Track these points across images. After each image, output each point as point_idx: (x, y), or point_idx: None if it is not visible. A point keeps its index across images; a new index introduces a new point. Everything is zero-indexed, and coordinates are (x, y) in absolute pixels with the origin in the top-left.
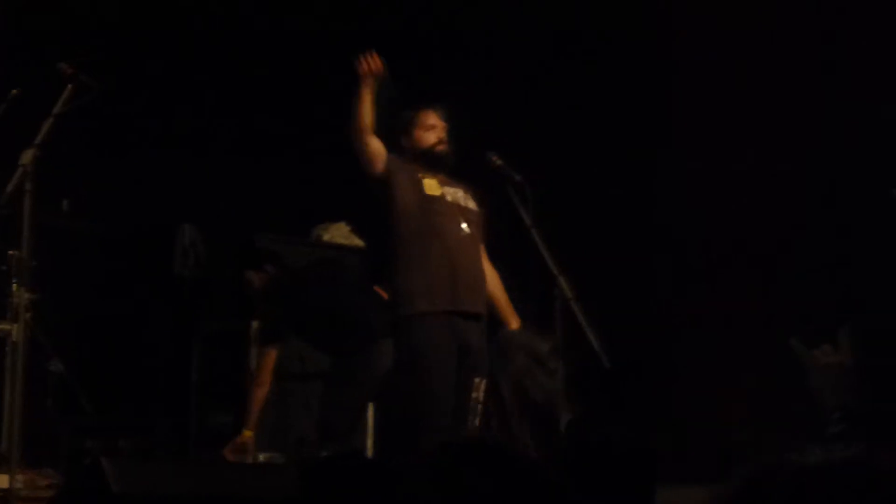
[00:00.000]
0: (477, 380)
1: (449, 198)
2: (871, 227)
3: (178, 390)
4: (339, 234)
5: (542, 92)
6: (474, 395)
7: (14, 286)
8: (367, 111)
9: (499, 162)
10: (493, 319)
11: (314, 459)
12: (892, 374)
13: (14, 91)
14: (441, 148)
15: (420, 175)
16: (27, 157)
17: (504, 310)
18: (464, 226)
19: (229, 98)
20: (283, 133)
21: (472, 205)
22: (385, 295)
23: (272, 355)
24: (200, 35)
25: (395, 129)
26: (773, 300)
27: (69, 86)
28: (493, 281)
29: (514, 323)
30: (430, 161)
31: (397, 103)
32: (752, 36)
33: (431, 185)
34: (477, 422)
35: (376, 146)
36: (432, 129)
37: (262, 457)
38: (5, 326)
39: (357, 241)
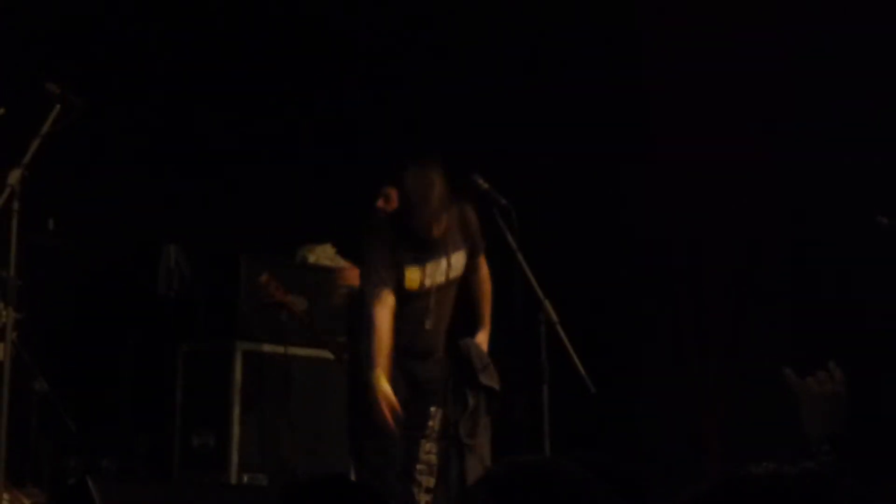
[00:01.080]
0: (433, 409)
1: (428, 282)
2: (860, 251)
3: (161, 410)
4: (325, 255)
5: (517, 112)
6: (430, 423)
7: (0, 305)
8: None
9: (484, 185)
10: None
11: (297, 481)
12: (882, 405)
13: (1, 110)
14: (437, 235)
15: (405, 265)
16: (14, 177)
17: (482, 316)
18: (431, 319)
19: (215, 119)
20: (268, 154)
21: (458, 268)
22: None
23: None
24: (186, 55)
25: (400, 184)
26: (755, 327)
27: (56, 105)
28: (482, 285)
29: (483, 332)
30: (421, 241)
31: None
32: (728, 45)
33: (412, 278)
34: (434, 450)
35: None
36: (427, 203)
37: (245, 478)
38: None
39: (343, 263)
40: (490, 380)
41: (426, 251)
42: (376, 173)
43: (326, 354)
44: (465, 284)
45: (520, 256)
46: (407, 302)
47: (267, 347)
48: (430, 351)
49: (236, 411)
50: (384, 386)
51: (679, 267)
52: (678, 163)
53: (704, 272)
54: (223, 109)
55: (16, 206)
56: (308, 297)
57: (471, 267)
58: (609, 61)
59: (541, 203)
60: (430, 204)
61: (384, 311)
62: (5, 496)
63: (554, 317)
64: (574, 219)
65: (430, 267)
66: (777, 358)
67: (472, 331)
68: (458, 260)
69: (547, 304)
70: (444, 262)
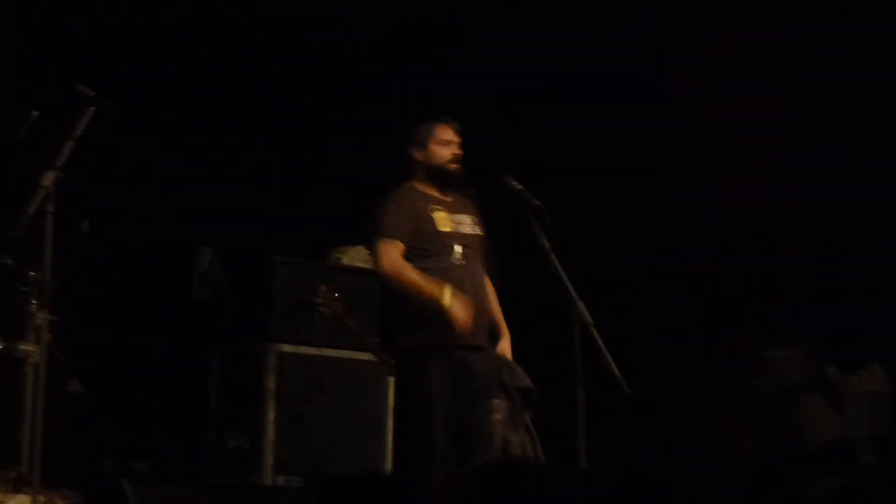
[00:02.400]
0: (496, 401)
1: (461, 228)
2: (892, 251)
3: (195, 412)
4: (358, 257)
5: (545, 114)
6: (497, 416)
7: (34, 307)
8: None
9: (517, 186)
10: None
11: (333, 478)
12: None
13: (34, 113)
14: (454, 166)
15: (431, 208)
16: (48, 179)
17: (498, 323)
18: (471, 265)
19: (248, 121)
20: (300, 155)
21: (478, 228)
22: None
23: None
24: (221, 57)
25: (408, 139)
26: (785, 328)
27: (89, 108)
28: (492, 296)
29: (504, 339)
30: (442, 178)
31: None
32: (753, 53)
33: (443, 220)
34: (497, 443)
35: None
36: (448, 145)
37: (280, 480)
38: (26, 348)
39: None
40: (518, 380)
41: (446, 204)
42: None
43: (360, 355)
44: None
45: (553, 258)
46: (445, 252)
47: (301, 349)
48: (480, 321)
49: (270, 413)
50: (460, 301)
51: (709, 270)
52: (706, 167)
53: (734, 274)
54: (257, 112)
55: (50, 208)
56: (342, 298)
57: None
58: (634, 66)
59: (572, 205)
60: (444, 133)
61: (398, 254)
62: (40, 498)
63: (588, 318)
64: (606, 221)
65: (457, 215)
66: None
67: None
68: (476, 220)
69: (580, 305)
70: (468, 218)
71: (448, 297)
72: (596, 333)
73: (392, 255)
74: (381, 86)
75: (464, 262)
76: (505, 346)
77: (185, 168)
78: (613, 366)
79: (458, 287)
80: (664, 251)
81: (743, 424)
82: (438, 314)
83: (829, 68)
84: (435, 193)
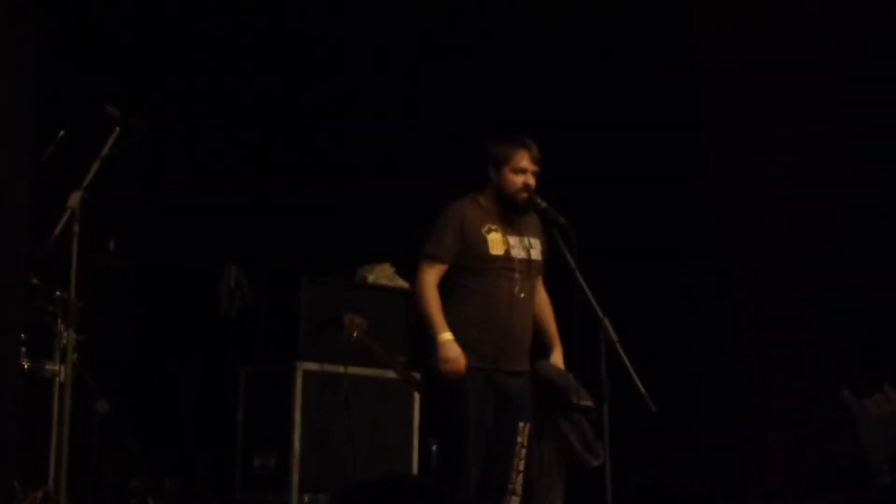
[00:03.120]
0: (521, 424)
1: (514, 252)
2: None
3: (223, 430)
4: (384, 275)
5: (575, 132)
6: (518, 439)
7: (61, 327)
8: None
9: (543, 204)
10: (542, 347)
11: (355, 483)
12: None
13: (61, 133)
14: (523, 196)
15: (487, 228)
16: (74, 199)
17: (551, 336)
18: (519, 289)
19: (273, 138)
20: (327, 173)
21: (536, 252)
22: None
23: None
24: (252, 72)
25: (488, 156)
26: (816, 347)
27: (116, 128)
28: (544, 309)
29: (556, 351)
30: (507, 205)
31: None
32: (787, 68)
33: (496, 242)
34: (521, 466)
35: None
36: (522, 173)
37: (306, 498)
38: (53, 367)
39: (402, 283)
40: (584, 398)
41: (507, 225)
42: (434, 192)
43: (386, 374)
44: None
45: (579, 275)
46: (493, 275)
47: (328, 367)
48: (520, 348)
49: (297, 431)
50: (455, 348)
51: (740, 286)
52: (738, 183)
53: (765, 292)
54: (282, 129)
55: (76, 228)
56: (368, 316)
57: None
58: (668, 84)
59: (599, 223)
60: (521, 160)
61: (434, 279)
62: None
63: (613, 335)
64: (633, 238)
65: (513, 237)
66: (837, 379)
67: (541, 356)
68: (537, 244)
69: (606, 322)
70: (526, 239)
71: (445, 338)
72: (621, 350)
73: (427, 279)
74: (411, 102)
75: (512, 287)
76: (557, 358)
77: (212, 185)
78: (639, 383)
79: (495, 312)
80: (696, 267)
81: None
82: (476, 338)
83: (867, 80)
84: (497, 213)
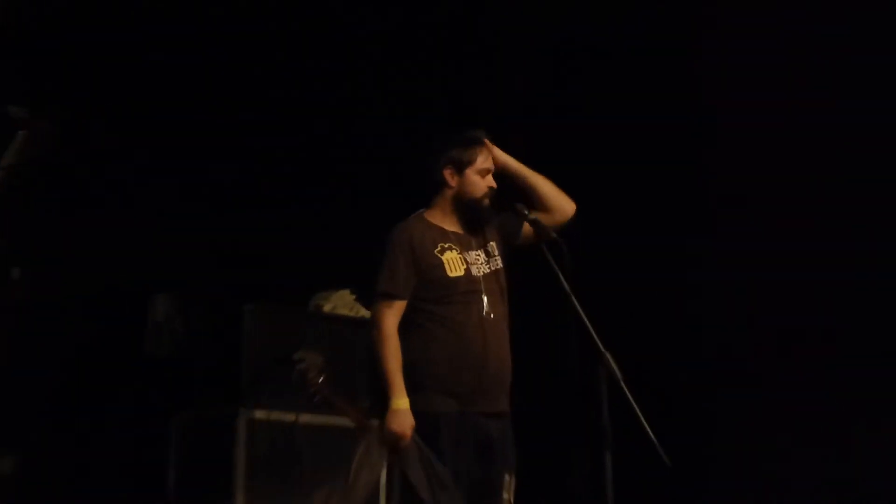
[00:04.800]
0: (507, 477)
1: (475, 270)
2: None
3: (150, 492)
4: (343, 303)
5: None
6: (505, 495)
7: None
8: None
9: (531, 216)
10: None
11: None
12: None
13: None
14: (487, 202)
15: (440, 248)
16: None
17: None
18: (488, 311)
19: (208, 146)
20: (274, 188)
21: (496, 258)
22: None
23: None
24: (186, 83)
25: (445, 159)
26: (842, 380)
27: (22, 132)
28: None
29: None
30: (470, 214)
31: None
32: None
33: (453, 262)
34: None
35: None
36: (486, 175)
37: None
38: None
39: (364, 312)
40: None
41: (462, 239)
42: (400, 208)
43: (343, 422)
44: None
45: (573, 300)
46: (456, 300)
47: (276, 415)
48: (499, 383)
49: (240, 492)
50: (405, 421)
51: (764, 310)
52: (758, 196)
53: (792, 316)
54: (219, 129)
55: None
56: (324, 351)
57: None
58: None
59: (597, 238)
60: (484, 160)
61: (393, 321)
62: None
63: (617, 371)
64: (639, 256)
65: (470, 252)
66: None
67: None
68: (494, 249)
69: (608, 356)
70: (482, 250)
71: (398, 406)
72: (626, 390)
73: (385, 324)
74: (380, 110)
75: (479, 310)
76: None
77: (136, 202)
78: (649, 429)
79: (466, 344)
80: (715, 287)
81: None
82: (448, 377)
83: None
84: (449, 227)
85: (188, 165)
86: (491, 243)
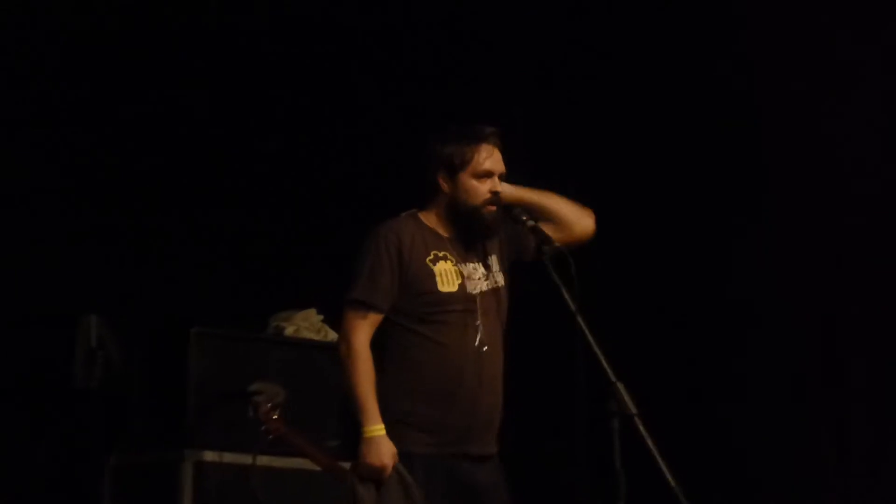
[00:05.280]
0: None
1: (471, 286)
2: None
3: None
4: (307, 325)
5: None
6: None
7: None
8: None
9: (531, 222)
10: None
11: None
12: None
13: None
14: (490, 210)
15: (432, 256)
16: None
17: None
18: (483, 339)
19: (147, 142)
20: (222, 187)
21: (498, 274)
22: None
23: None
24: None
25: (437, 160)
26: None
27: None
28: None
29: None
30: (469, 225)
31: None
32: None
33: (447, 275)
34: None
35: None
36: (487, 179)
37: None
38: None
39: (332, 335)
40: None
41: (460, 250)
42: (375, 215)
43: (308, 465)
44: None
45: (581, 322)
46: (446, 321)
47: (229, 457)
48: (490, 424)
49: None
50: (384, 449)
51: (810, 349)
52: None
53: (842, 358)
54: (158, 133)
55: None
56: (285, 383)
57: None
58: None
59: (611, 247)
60: (486, 160)
61: (366, 337)
62: None
63: (631, 406)
64: (657, 270)
65: (467, 265)
66: None
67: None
68: (495, 263)
69: (620, 387)
70: (482, 264)
71: (374, 432)
72: (642, 427)
73: (356, 339)
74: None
75: (473, 337)
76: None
77: (65, 207)
78: (668, 473)
79: (456, 378)
80: (745, 320)
81: None
82: (430, 414)
83: None
84: (446, 234)
85: (122, 163)
86: (492, 256)
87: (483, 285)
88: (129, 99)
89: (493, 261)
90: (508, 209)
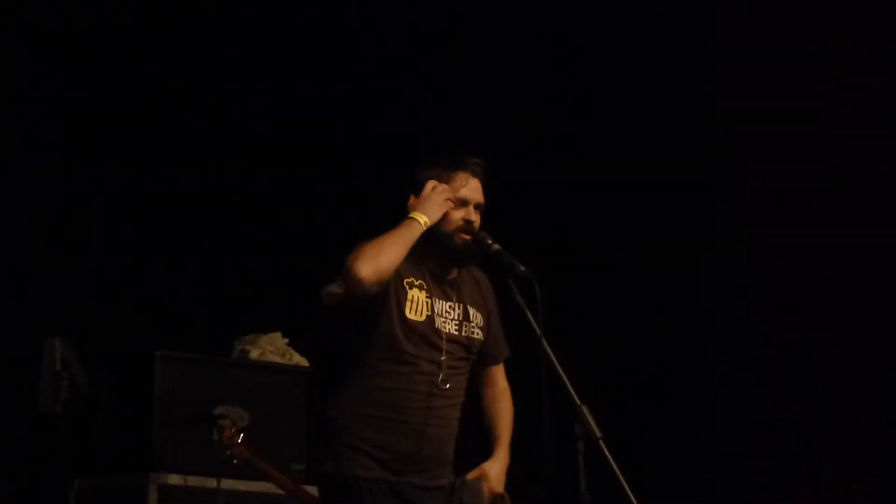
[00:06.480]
0: None
1: (440, 323)
2: None
3: None
4: (273, 348)
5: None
6: None
7: None
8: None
9: (495, 247)
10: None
11: None
12: None
13: None
14: (463, 238)
15: (409, 280)
16: None
17: (496, 440)
18: (444, 379)
19: (114, 167)
20: (188, 209)
21: (476, 329)
22: None
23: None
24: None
25: (414, 184)
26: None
27: None
28: (498, 403)
29: (494, 460)
30: (442, 252)
31: None
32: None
33: (417, 303)
34: None
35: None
36: (463, 207)
37: None
38: None
39: (298, 359)
40: None
41: (436, 284)
42: (341, 237)
43: (269, 488)
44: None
45: (545, 345)
46: (408, 351)
47: (194, 481)
48: (438, 457)
49: None
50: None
51: (779, 360)
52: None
53: (817, 371)
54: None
55: None
56: (251, 405)
57: (484, 375)
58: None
59: (574, 271)
60: (463, 187)
61: None
62: None
63: (595, 429)
64: (626, 291)
65: (442, 302)
66: None
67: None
68: (477, 318)
69: (585, 411)
70: (458, 310)
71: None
72: (607, 452)
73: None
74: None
75: (434, 372)
76: (491, 469)
77: (28, 231)
78: (633, 498)
79: (405, 405)
80: (714, 339)
81: None
82: (372, 439)
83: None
84: (424, 267)
85: (88, 185)
86: (475, 311)
87: (452, 328)
88: (89, 117)
89: (476, 317)
90: (474, 234)
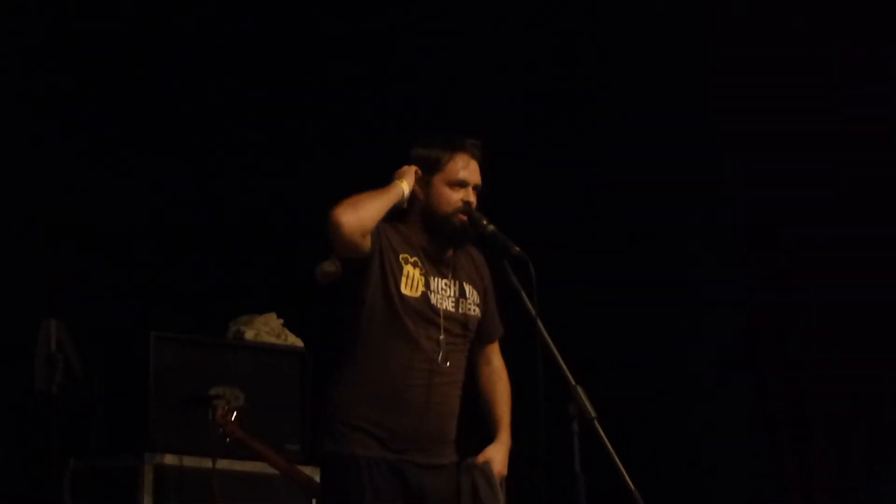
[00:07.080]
0: None
1: (436, 300)
2: None
3: None
4: (268, 329)
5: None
6: None
7: None
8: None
9: (490, 227)
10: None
11: None
12: None
13: None
14: (460, 219)
15: (404, 257)
16: None
17: (496, 423)
18: (444, 357)
19: (108, 136)
20: (183, 190)
21: (472, 306)
22: None
23: None
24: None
25: (411, 161)
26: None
27: None
28: (495, 384)
29: (496, 445)
30: (439, 233)
31: None
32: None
33: (412, 280)
34: None
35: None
36: (460, 188)
37: None
38: None
39: (293, 339)
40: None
41: (431, 262)
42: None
43: (268, 469)
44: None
45: (540, 325)
46: (405, 326)
47: (189, 461)
48: (440, 436)
49: None
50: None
51: (770, 348)
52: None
53: (808, 384)
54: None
55: None
56: (246, 385)
57: (480, 353)
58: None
59: (569, 253)
60: (460, 168)
61: None
62: None
63: (590, 409)
64: (619, 276)
65: (438, 279)
66: None
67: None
68: (474, 295)
69: (580, 391)
70: (454, 287)
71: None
72: (601, 432)
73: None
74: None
75: (434, 350)
76: (495, 454)
77: (24, 206)
78: (627, 477)
79: (405, 384)
80: (713, 316)
81: None
82: (372, 419)
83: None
84: (420, 244)
85: (82, 166)
86: (471, 288)
87: (449, 305)
88: (84, 102)
89: (472, 294)
90: (470, 215)
